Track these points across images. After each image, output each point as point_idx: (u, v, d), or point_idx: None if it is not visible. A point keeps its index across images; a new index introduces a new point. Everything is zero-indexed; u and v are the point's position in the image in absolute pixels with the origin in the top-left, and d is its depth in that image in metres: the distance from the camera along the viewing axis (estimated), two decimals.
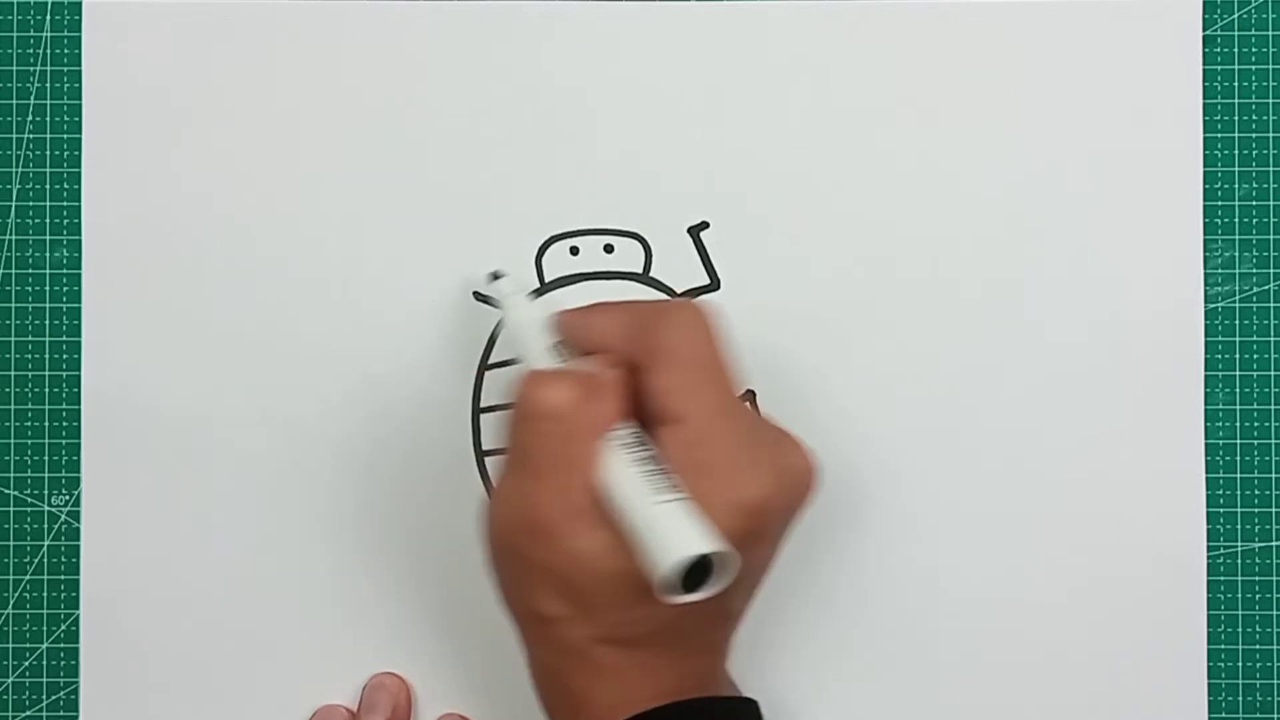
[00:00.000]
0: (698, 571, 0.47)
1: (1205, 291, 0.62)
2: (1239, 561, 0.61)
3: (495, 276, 0.59)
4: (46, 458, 0.62)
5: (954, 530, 0.61)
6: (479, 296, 0.62)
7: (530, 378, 0.51)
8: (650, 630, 0.50)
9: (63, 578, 0.62)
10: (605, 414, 0.50)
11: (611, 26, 0.62)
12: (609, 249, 0.62)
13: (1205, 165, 0.62)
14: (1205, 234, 0.62)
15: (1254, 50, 0.62)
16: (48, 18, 0.62)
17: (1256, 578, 0.61)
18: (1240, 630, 0.61)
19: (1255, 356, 0.62)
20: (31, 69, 0.62)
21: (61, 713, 0.62)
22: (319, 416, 0.62)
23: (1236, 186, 0.62)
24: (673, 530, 0.47)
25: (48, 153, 0.62)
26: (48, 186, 0.62)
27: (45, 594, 0.62)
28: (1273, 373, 0.62)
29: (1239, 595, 0.61)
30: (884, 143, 0.62)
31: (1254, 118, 0.62)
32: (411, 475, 0.62)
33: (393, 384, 0.62)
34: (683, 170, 0.61)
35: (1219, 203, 0.62)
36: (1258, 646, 0.61)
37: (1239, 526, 0.61)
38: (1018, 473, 0.61)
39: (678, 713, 0.50)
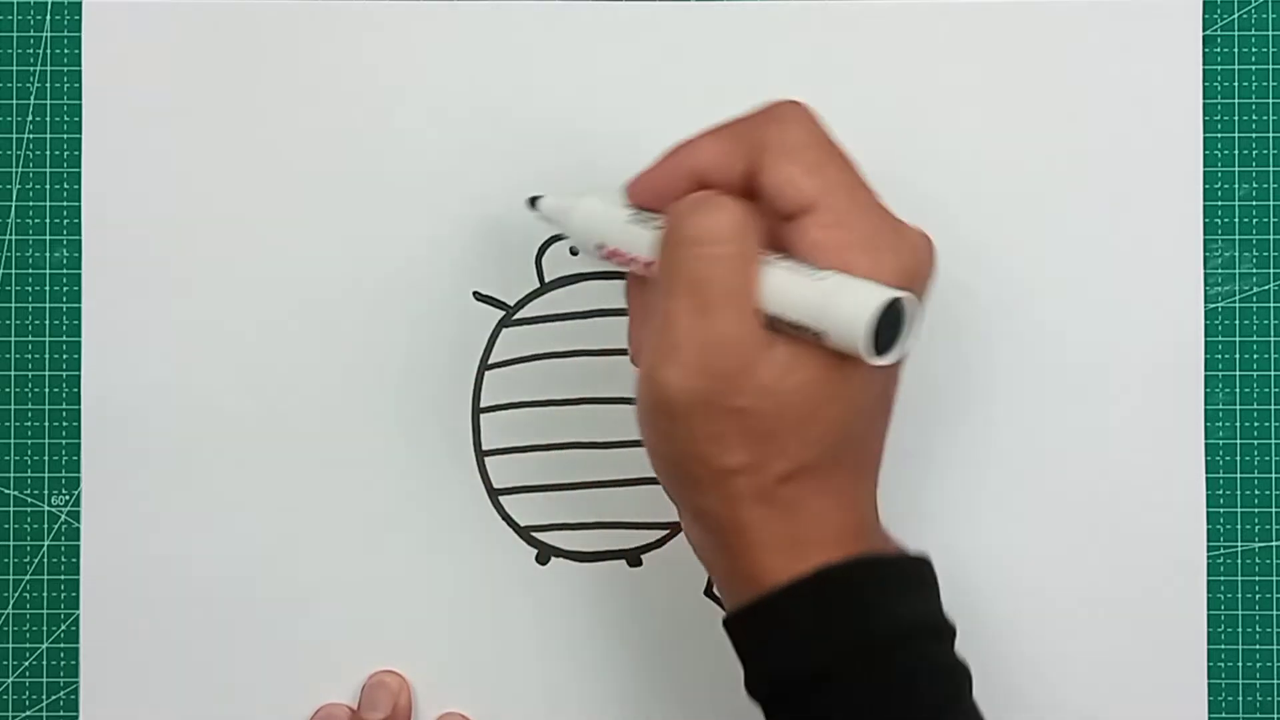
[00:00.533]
0: (885, 334, 0.46)
1: (1205, 291, 0.62)
2: (1239, 561, 0.61)
3: (534, 201, 0.56)
4: (46, 458, 0.62)
5: (953, 530, 0.61)
6: (479, 296, 0.62)
7: (687, 204, 0.48)
8: (832, 442, 0.48)
9: (63, 578, 0.62)
10: (760, 235, 0.48)
11: (611, 26, 0.62)
12: None
13: (1205, 165, 0.62)
14: (1205, 234, 0.62)
15: (1254, 50, 0.62)
16: (48, 18, 0.62)
17: (1256, 578, 0.61)
18: (1240, 630, 0.61)
19: (1255, 356, 0.62)
20: (31, 69, 0.62)
21: (61, 713, 0.62)
22: (319, 415, 0.62)
23: (1236, 186, 0.62)
24: (856, 291, 0.46)
25: (48, 153, 0.62)
26: (48, 186, 0.62)
27: (45, 594, 0.62)
28: (1273, 373, 0.62)
29: (1239, 595, 0.61)
30: (884, 143, 0.62)
31: (1254, 118, 0.62)
32: (411, 475, 0.62)
33: (393, 384, 0.62)
34: None
35: (1219, 203, 0.62)
36: (1258, 646, 0.61)
37: (1239, 526, 0.61)
38: (1018, 472, 0.61)
39: (869, 566, 0.49)
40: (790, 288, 0.47)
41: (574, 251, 0.62)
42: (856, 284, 0.46)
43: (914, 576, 0.51)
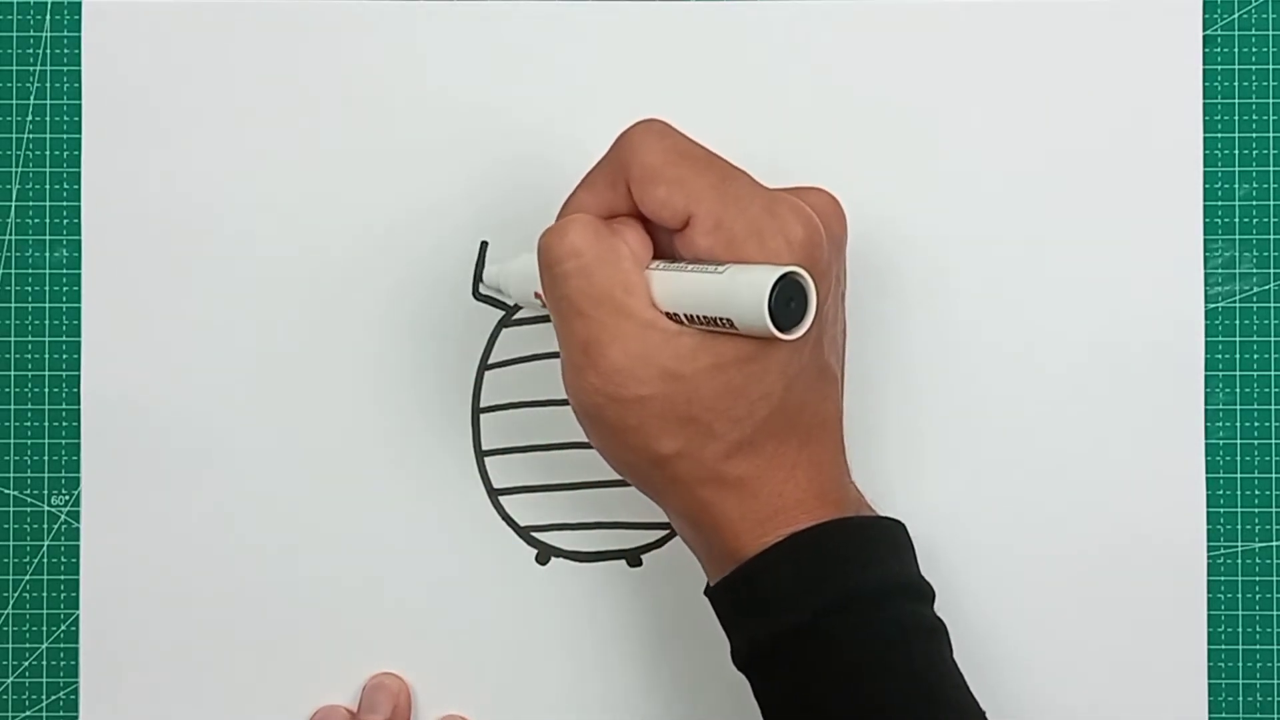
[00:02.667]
0: (784, 308, 0.47)
1: (1205, 291, 0.62)
2: (1239, 561, 0.61)
3: (478, 276, 0.60)
4: (46, 458, 0.62)
5: (953, 530, 0.61)
6: (479, 297, 0.62)
7: (544, 235, 0.51)
8: (764, 416, 0.50)
9: (63, 578, 0.62)
10: (631, 240, 0.51)
11: (611, 26, 0.62)
12: None
13: (1205, 165, 0.62)
14: (1205, 234, 0.62)
15: (1254, 50, 0.62)
16: (48, 18, 0.62)
17: (1256, 578, 0.61)
18: (1240, 630, 0.61)
19: (1255, 356, 0.62)
20: (31, 69, 0.62)
21: (61, 713, 0.62)
22: (319, 416, 0.62)
23: (1236, 186, 0.62)
24: (749, 274, 0.48)
25: (48, 153, 0.62)
26: (48, 186, 0.62)
27: (45, 594, 0.62)
28: (1273, 373, 0.62)
29: (1239, 595, 0.61)
30: (883, 142, 0.62)
31: (1254, 118, 0.62)
32: (411, 475, 0.62)
33: (393, 384, 0.62)
34: None
35: (1219, 203, 0.62)
36: (1258, 646, 0.61)
37: (1239, 526, 0.61)
38: (1017, 472, 0.61)
39: (841, 528, 0.50)
40: (690, 285, 0.49)
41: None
42: (750, 268, 0.48)
43: (887, 538, 0.52)
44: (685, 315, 0.49)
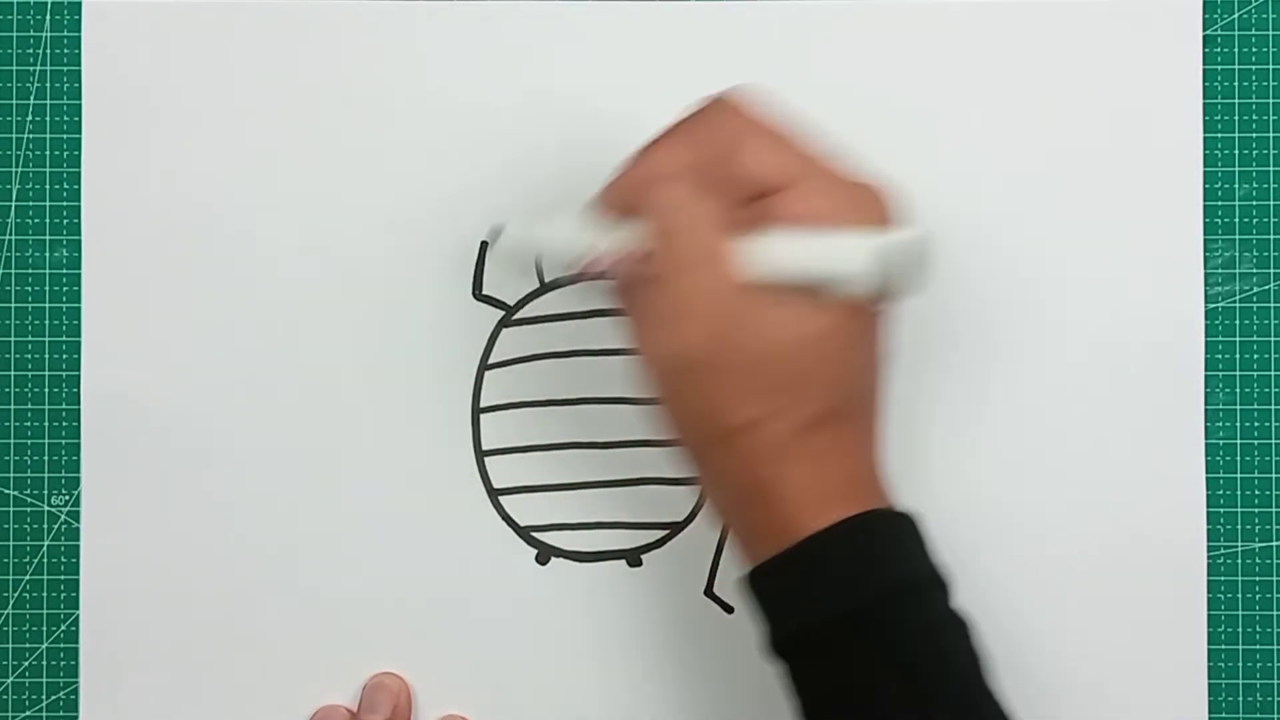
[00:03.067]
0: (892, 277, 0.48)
1: (1205, 291, 0.62)
2: (1239, 561, 0.61)
3: (496, 233, 0.56)
4: (46, 458, 0.62)
5: (953, 530, 0.61)
6: (479, 297, 0.62)
7: (660, 187, 0.50)
8: (846, 391, 0.50)
9: (63, 578, 0.62)
10: (723, 207, 0.50)
11: (611, 26, 0.62)
12: None
13: (1205, 165, 0.62)
14: (1205, 234, 0.62)
15: (1254, 50, 0.62)
16: (48, 18, 0.62)
17: (1256, 578, 0.61)
18: (1240, 630, 0.61)
19: (1255, 356, 0.62)
20: (31, 69, 0.62)
21: (61, 713, 0.62)
22: (319, 416, 0.62)
23: (1236, 186, 0.62)
24: (854, 236, 0.48)
25: (48, 153, 0.62)
26: (48, 186, 0.62)
27: (45, 594, 0.62)
28: (1273, 373, 0.62)
29: (1239, 595, 0.61)
30: (883, 142, 0.61)
31: (1254, 118, 0.62)
32: (411, 475, 0.62)
33: (393, 384, 0.62)
34: None
35: (1219, 203, 0.62)
36: (1258, 646, 0.61)
37: (1239, 526, 0.61)
38: (1017, 472, 0.61)
39: (891, 517, 0.50)
40: (787, 248, 0.49)
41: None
42: (851, 234, 0.49)
43: (921, 532, 0.52)
44: (783, 280, 0.49)
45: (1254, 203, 0.62)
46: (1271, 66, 0.62)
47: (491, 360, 0.62)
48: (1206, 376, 0.61)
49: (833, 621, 0.49)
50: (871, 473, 0.51)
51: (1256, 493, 0.61)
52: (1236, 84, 0.62)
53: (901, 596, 0.49)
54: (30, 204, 0.62)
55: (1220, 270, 0.62)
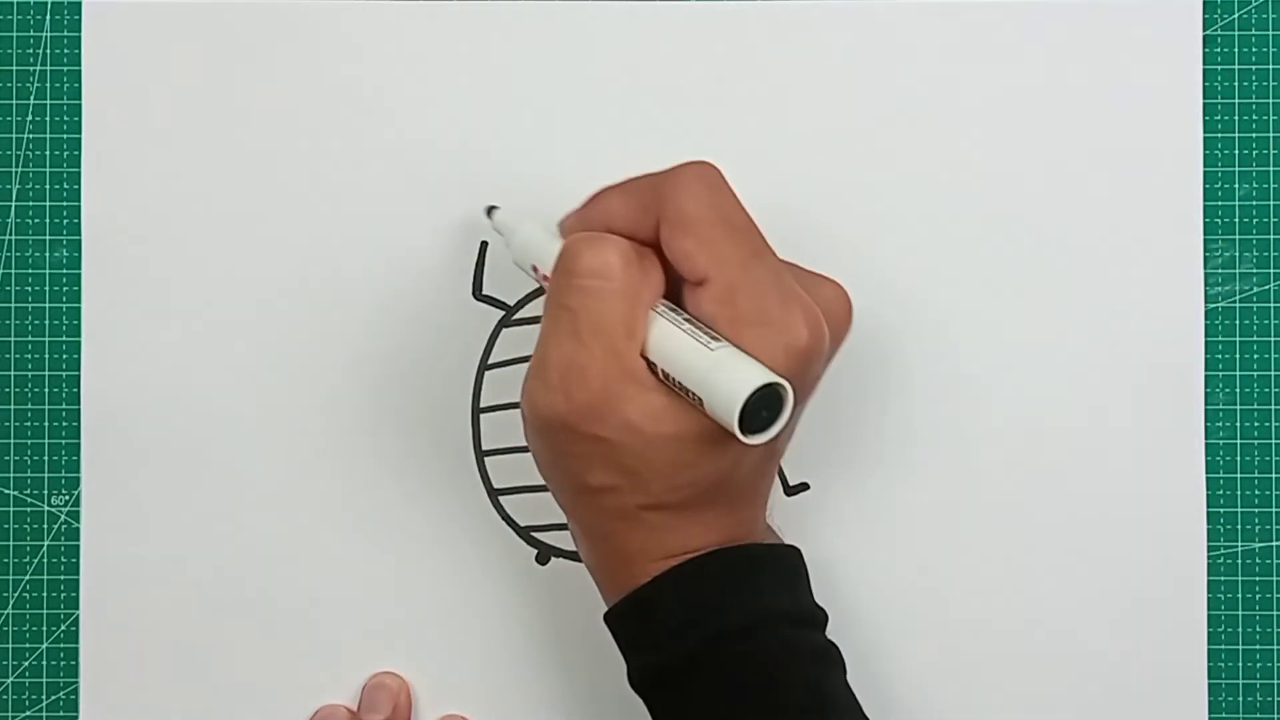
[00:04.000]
0: (756, 413, 0.47)
1: (1205, 291, 0.62)
2: (1239, 561, 0.61)
3: (490, 211, 0.59)
4: (46, 458, 0.62)
5: (953, 530, 0.61)
6: (479, 297, 0.62)
7: (579, 239, 0.51)
8: (700, 491, 0.50)
9: (63, 578, 0.62)
10: (652, 282, 0.51)
11: (611, 26, 0.62)
12: None
13: (1205, 165, 0.62)
14: (1205, 234, 0.62)
15: (1254, 50, 0.62)
16: (48, 18, 0.62)
17: (1256, 578, 0.61)
18: (1240, 630, 0.61)
19: (1255, 356, 0.62)
20: (31, 69, 0.62)
21: (61, 713, 0.62)
22: (319, 416, 0.62)
23: (1236, 186, 0.62)
24: (734, 371, 0.47)
25: (48, 153, 0.62)
26: (48, 186, 0.62)
27: (45, 594, 0.62)
28: (1273, 373, 0.62)
29: (1239, 595, 0.61)
30: (883, 142, 0.62)
31: (1254, 118, 0.62)
32: (411, 475, 0.62)
33: (393, 384, 0.62)
34: None
35: (1219, 203, 0.62)
36: (1258, 646, 0.61)
37: (1239, 526, 0.61)
38: (1017, 472, 0.61)
39: (726, 558, 0.51)
40: (680, 349, 0.49)
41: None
42: (738, 364, 0.48)
43: (772, 566, 0.52)
44: (663, 372, 0.49)
45: (1254, 203, 0.62)
46: (1271, 66, 0.62)
47: (491, 360, 0.62)
48: (1206, 376, 0.61)
49: (670, 667, 0.51)
50: (722, 538, 0.51)
51: (1256, 493, 0.61)
52: (1236, 84, 0.62)
53: (728, 639, 0.50)
54: (30, 204, 0.62)
55: (1220, 270, 0.62)
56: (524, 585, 0.62)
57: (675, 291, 0.51)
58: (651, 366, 0.50)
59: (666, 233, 0.50)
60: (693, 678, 0.50)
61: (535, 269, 0.54)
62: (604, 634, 0.62)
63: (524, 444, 0.62)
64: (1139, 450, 0.61)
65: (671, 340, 0.49)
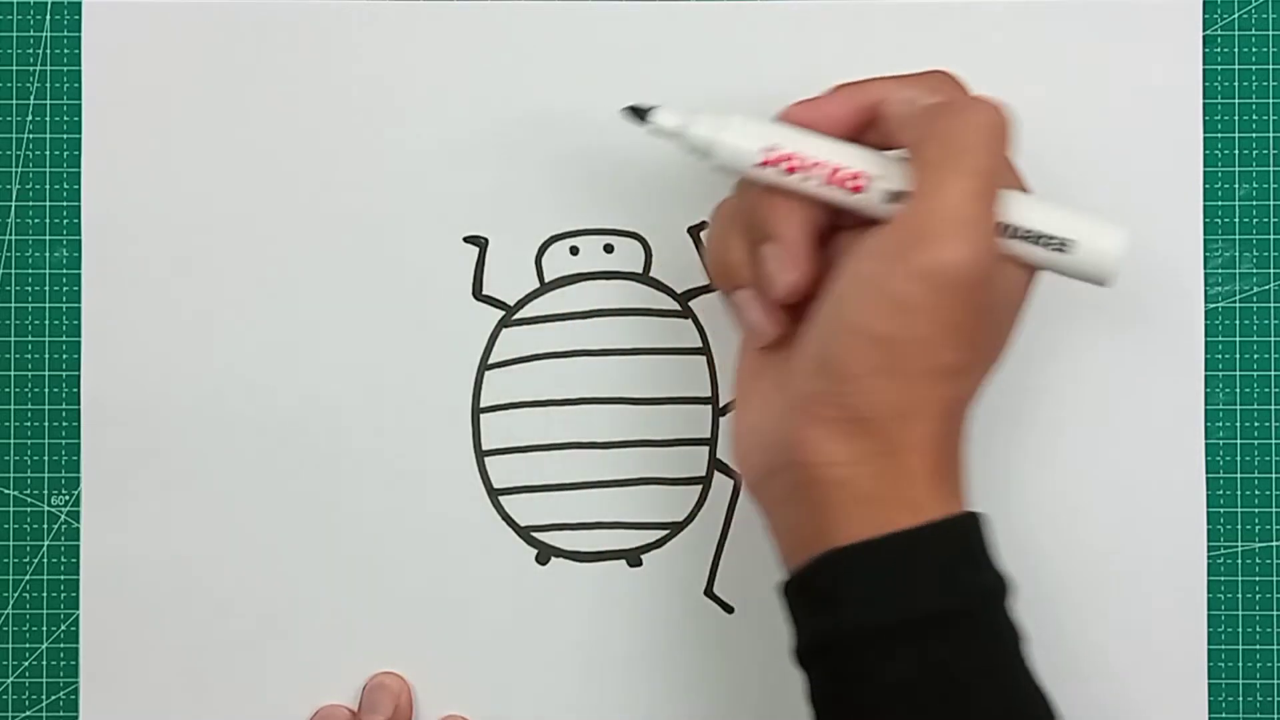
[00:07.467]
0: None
1: (1205, 291, 0.62)
2: (1239, 561, 0.61)
3: (640, 112, 0.54)
4: (46, 458, 0.62)
5: None
6: (479, 297, 0.62)
7: (988, 101, 0.51)
8: (984, 377, 0.52)
9: (63, 578, 0.62)
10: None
11: (611, 26, 0.62)
12: (609, 249, 0.62)
13: (1205, 165, 0.62)
14: (1205, 234, 0.62)
15: (1254, 50, 0.62)
16: (48, 18, 0.62)
17: (1256, 578, 0.61)
18: (1240, 630, 0.61)
19: (1255, 356, 0.62)
20: (31, 69, 0.62)
21: (61, 713, 0.62)
22: (319, 416, 0.62)
23: (1236, 186, 0.62)
24: (1105, 223, 0.52)
25: (48, 153, 0.62)
26: (48, 186, 0.62)
27: (45, 594, 0.62)
28: (1273, 373, 0.62)
29: (1239, 595, 0.61)
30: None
31: (1254, 118, 0.62)
32: (411, 475, 0.62)
33: (393, 384, 0.62)
34: (683, 170, 0.61)
35: (1219, 203, 0.62)
36: (1258, 646, 0.61)
37: (1239, 526, 0.61)
38: (1017, 472, 0.61)
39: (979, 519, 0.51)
40: (1035, 205, 0.51)
41: (574, 251, 0.62)
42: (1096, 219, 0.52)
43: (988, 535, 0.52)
44: (1022, 228, 0.51)
45: (1254, 203, 0.62)
46: (1271, 66, 0.62)
47: (491, 360, 0.62)
48: (1206, 376, 0.61)
49: (933, 612, 0.49)
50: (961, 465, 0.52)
51: (1256, 493, 0.61)
52: (1236, 84, 0.62)
53: (984, 602, 0.50)
54: (30, 204, 0.62)
55: (1220, 270, 0.62)
56: (524, 585, 0.62)
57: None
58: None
59: (925, 160, 0.50)
60: (947, 638, 0.48)
61: (773, 150, 0.51)
62: (604, 634, 0.62)
63: (524, 444, 0.63)
64: (1139, 450, 0.61)
65: (1029, 208, 0.51)
